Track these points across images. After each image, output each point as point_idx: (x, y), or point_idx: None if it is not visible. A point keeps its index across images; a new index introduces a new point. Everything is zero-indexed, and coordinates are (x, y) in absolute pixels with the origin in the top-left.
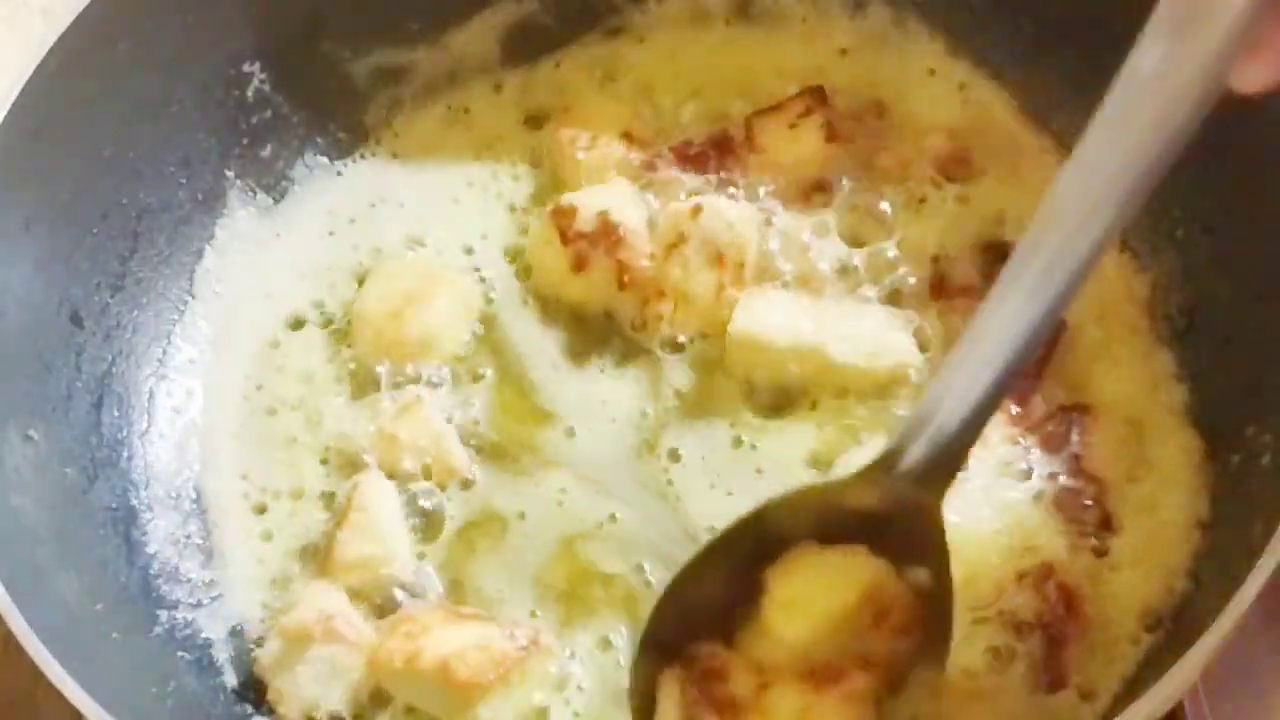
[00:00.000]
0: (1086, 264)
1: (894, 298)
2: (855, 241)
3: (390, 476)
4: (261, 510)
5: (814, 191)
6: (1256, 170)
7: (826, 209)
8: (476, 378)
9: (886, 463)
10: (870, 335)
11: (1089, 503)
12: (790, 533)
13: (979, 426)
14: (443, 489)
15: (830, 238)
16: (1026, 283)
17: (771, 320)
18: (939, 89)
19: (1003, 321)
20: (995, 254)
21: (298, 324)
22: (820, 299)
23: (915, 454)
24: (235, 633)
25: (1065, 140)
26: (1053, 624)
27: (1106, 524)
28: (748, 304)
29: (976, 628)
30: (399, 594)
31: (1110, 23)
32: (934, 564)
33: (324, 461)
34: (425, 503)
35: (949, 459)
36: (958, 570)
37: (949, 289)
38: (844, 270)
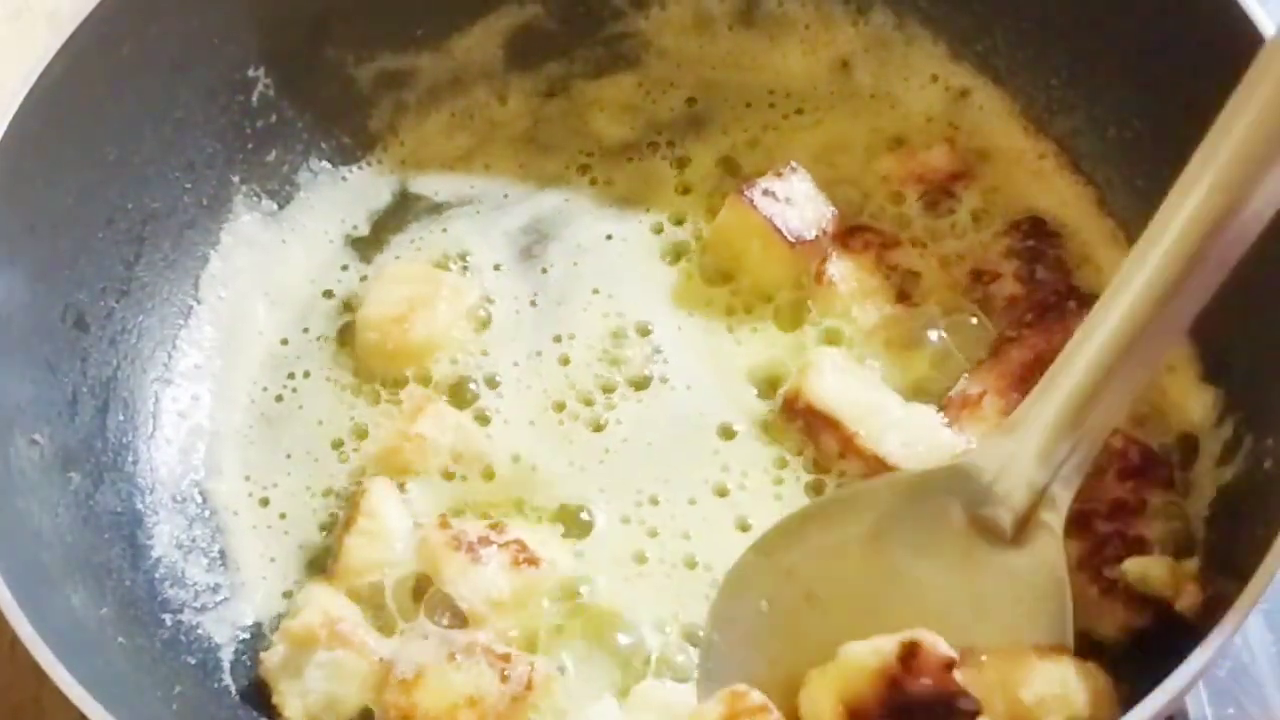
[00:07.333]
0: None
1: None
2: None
3: (416, 476)
4: (267, 514)
5: (850, 236)
6: None
7: (867, 250)
8: (481, 381)
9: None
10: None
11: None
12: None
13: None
14: (467, 480)
15: (877, 278)
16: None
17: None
18: (941, 94)
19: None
20: (1029, 255)
21: (302, 329)
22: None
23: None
24: (241, 637)
25: (1066, 145)
26: None
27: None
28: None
29: None
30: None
31: (1112, 26)
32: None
33: (329, 466)
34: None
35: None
36: None
37: (996, 301)
38: (901, 304)
